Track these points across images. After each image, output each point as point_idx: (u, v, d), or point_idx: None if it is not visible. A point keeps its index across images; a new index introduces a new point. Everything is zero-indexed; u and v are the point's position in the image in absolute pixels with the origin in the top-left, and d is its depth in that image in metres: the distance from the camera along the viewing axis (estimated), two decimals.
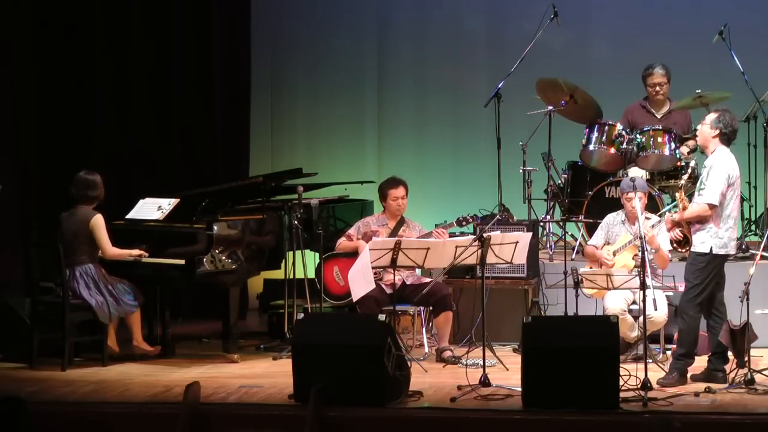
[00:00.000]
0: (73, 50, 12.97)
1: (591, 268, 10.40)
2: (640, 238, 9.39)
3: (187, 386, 8.60)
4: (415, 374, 9.29)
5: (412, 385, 9.05)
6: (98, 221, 10.39)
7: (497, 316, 10.82)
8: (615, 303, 10.10)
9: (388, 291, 10.41)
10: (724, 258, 9.43)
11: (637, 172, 11.45)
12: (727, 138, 9.45)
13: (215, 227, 10.50)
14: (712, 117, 9.46)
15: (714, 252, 9.32)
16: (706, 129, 9.45)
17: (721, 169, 9.33)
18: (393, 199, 10.75)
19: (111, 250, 10.41)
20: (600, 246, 10.55)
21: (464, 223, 10.75)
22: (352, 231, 10.85)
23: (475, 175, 13.28)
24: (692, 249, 9.41)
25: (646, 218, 10.38)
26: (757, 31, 12.80)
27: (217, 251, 10.46)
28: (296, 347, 8.94)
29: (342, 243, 10.87)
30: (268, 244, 10.90)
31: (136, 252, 10.48)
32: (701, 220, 9.34)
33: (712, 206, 9.29)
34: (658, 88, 11.71)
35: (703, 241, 9.36)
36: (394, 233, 10.65)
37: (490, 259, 9.59)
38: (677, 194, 9.78)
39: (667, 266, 10.25)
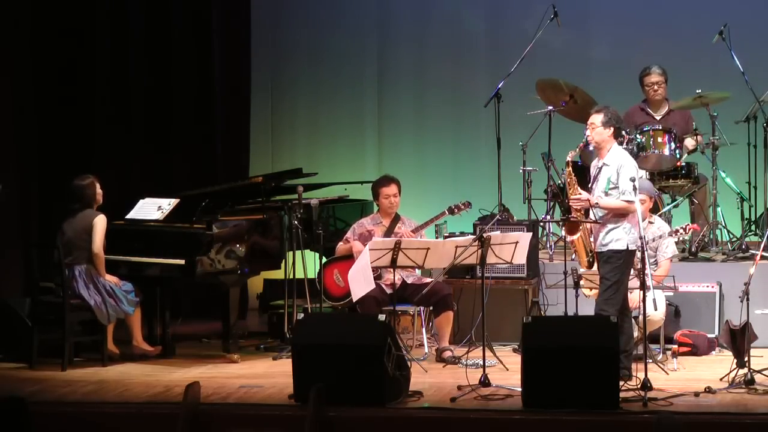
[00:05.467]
0: (72, 50, 12.98)
1: None
2: (641, 238, 9.37)
3: (187, 386, 8.60)
4: (415, 374, 9.29)
5: (412, 385, 9.05)
6: (100, 220, 10.40)
7: (497, 316, 10.82)
8: None
9: (388, 291, 10.41)
10: (635, 253, 9.48)
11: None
12: (618, 133, 9.55)
13: (215, 227, 10.51)
14: (600, 117, 9.45)
15: (629, 248, 9.36)
16: (601, 129, 9.45)
17: (631, 169, 9.40)
18: (385, 197, 10.76)
19: (99, 250, 10.38)
20: None
21: (456, 211, 10.77)
22: (348, 235, 10.86)
23: (475, 175, 13.27)
24: (607, 248, 9.37)
25: (650, 222, 10.40)
26: (757, 31, 12.79)
27: (216, 251, 10.46)
28: (296, 347, 8.94)
29: (339, 247, 10.89)
30: (268, 244, 10.89)
31: (111, 278, 10.45)
32: (618, 216, 9.33)
33: (632, 203, 9.34)
34: (656, 87, 11.71)
35: (618, 239, 9.37)
36: (389, 231, 10.66)
37: (490, 259, 9.59)
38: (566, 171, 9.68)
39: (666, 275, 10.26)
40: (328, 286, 10.90)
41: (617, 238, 9.37)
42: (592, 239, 9.49)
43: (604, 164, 9.47)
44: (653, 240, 10.30)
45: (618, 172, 9.37)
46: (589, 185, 9.56)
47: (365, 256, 9.90)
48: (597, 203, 9.38)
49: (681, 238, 10.72)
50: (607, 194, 9.38)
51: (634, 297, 10.07)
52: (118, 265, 10.64)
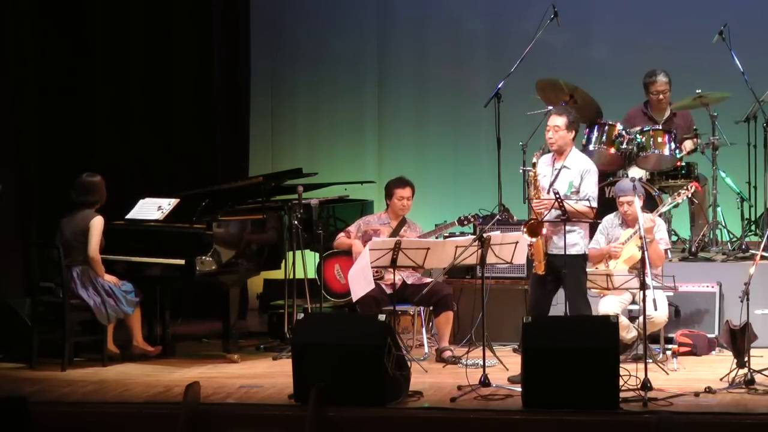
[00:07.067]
0: (72, 50, 12.98)
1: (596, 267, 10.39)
2: (641, 237, 9.38)
3: (187, 386, 8.60)
4: (415, 374, 9.29)
5: (412, 385, 9.05)
6: (97, 222, 10.38)
7: (497, 316, 10.82)
8: (609, 306, 10.07)
9: (388, 291, 10.41)
10: (587, 256, 9.72)
11: (637, 172, 11.46)
12: (576, 135, 9.65)
13: (215, 227, 10.51)
14: (564, 120, 9.52)
15: (585, 252, 9.59)
16: (565, 133, 9.53)
17: (596, 175, 9.55)
18: (398, 198, 10.76)
19: (95, 254, 10.36)
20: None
21: (465, 222, 10.79)
22: (352, 228, 10.86)
23: (475, 175, 13.28)
24: (567, 252, 9.44)
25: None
26: (757, 31, 12.79)
27: (216, 251, 10.46)
28: (296, 347, 8.94)
29: (340, 239, 10.88)
30: (268, 245, 10.90)
31: (110, 278, 10.45)
32: (576, 220, 9.37)
33: (593, 210, 9.46)
34: (661, 96, 11.71)
35: (575, 243, 9.53)
36: (395, 233, 10.66)
37: (490, 259, 9.59)
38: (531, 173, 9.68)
39: (662, 264, 10.24)
40: (329, 281, 10.91)
41: (574, 242, 9.51)
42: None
43: (564, 167, 9.51)
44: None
45: (582, 177, 9.44)
46: (548, 186, 9.57)
47: (365, 256, 9.90)
48: (562, 205, 9.42)
49: (685, 199, 10.68)
50: (568, 197, 9.43)
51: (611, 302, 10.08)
52: (117, 264, 10.64)
